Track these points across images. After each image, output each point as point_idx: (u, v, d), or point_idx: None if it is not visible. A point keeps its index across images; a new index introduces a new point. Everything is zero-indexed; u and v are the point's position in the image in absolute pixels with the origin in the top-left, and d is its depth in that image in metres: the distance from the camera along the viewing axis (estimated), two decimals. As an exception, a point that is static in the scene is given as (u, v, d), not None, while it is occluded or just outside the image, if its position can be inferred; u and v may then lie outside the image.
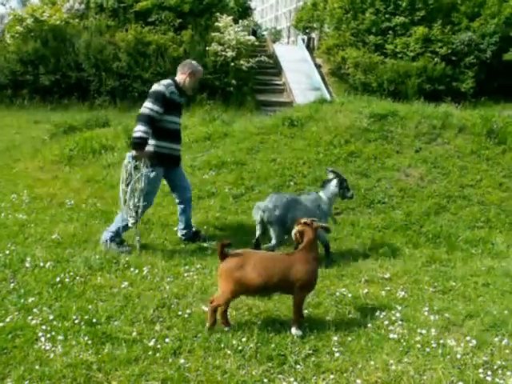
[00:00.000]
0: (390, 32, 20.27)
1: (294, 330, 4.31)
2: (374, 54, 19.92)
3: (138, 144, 5.82)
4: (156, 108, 5.89)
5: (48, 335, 4.03)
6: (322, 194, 6.34)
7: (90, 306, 4.53)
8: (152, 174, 5.95)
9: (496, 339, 4.41)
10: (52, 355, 3.81)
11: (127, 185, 5.89)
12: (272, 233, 5.96)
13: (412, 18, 20.20)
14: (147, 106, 5.91)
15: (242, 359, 3.88)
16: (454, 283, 5.63)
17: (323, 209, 6.23)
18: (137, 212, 5.94)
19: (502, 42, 19.63)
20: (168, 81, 6.15)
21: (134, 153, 5.86)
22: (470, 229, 7.59)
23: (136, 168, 5.85)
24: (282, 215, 5.86)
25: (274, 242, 5.94)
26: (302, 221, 4.52)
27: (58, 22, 18.03)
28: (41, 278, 5.06)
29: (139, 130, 5.81)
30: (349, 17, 20.86)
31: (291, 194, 6.48)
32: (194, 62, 6.36)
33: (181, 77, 6.23)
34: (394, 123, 9.91)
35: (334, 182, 6.38)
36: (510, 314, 4.87)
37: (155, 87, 6.04)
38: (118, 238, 6.08)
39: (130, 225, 6.02)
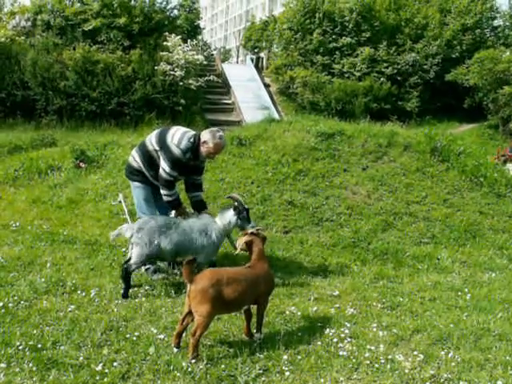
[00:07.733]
0: (337, 52, 20.74)
1: (257, 335, 4.51)
2: (322, 73, 20.31)
3: (175, 207, 6.09)
4: (174, 174, 5.86)
5: (-10, 363, 3.90)
6: (218, 219, 5.82)
7: (34, 331, 4.41)
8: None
9: (442, 352, 4.50)
10: (-6, 384, 3.69)
11: None
12: (133, 253, 5.52)
13: (358, 38, 20.74)
14: (166, 171, 5.81)
15: (192, 381, 3.84)
16: (401, 299, 5.73)
17: (212, 236, 5.70)
18: None
19: (444, 63, 20.36)
20: (189, 144, 5.78)
21: (175, 212, 6.15)
22: (417, 245, 7.75)
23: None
24: (146, 238, 5.43)
25: (132, 261, 5.49)
26: (249, 231, 4.78)
27: (3, 40, 17.64)
28: (-17, 303, 4.90)
29: (166, 194, 5.95)
30: (297, 37, 21.24)
31: (170, 218, 5.94)
32: (216, 134, 5.83)
33: (201, 142, 5.91)
34: (341, 142, 10.06)
35: (232, 209, 5.81)
36: (455, 328, 4.99)
37: (174, 150, 5.78)
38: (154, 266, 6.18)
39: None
